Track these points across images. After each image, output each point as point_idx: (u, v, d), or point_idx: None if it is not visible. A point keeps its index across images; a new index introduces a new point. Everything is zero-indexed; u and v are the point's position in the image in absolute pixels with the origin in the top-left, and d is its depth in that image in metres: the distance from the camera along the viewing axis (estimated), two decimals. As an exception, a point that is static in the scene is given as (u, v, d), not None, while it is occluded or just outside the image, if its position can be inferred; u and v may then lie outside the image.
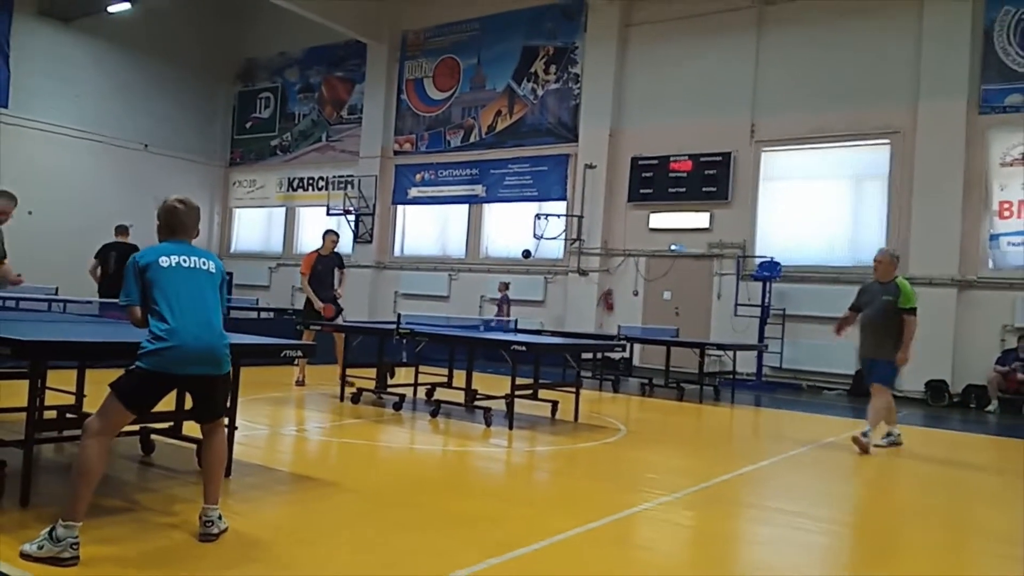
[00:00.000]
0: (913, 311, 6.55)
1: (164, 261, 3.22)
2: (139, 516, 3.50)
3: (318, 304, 8.60)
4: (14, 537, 3.08)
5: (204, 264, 3.33)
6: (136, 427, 4.66)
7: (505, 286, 15.05)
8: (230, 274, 19.79)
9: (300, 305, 17.32)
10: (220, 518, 3.25)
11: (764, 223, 13.36)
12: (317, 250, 8.88)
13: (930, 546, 4.06)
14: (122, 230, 9.95)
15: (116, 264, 9.16)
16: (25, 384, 3.70)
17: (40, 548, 2.81)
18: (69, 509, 2.86)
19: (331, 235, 8.95)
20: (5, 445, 3.94)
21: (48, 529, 2.85)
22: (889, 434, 6.95)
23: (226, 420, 3.45)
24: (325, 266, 8.83)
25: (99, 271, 9.62)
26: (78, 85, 17.64)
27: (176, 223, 3.38)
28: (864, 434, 6.54)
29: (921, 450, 7.62)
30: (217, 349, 3.24)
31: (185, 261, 3.26)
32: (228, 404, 3.48)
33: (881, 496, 5.25)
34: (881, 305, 6.61)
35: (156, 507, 3.64)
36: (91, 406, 5.21)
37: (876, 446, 6.67)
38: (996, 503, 5.26)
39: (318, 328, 8.30)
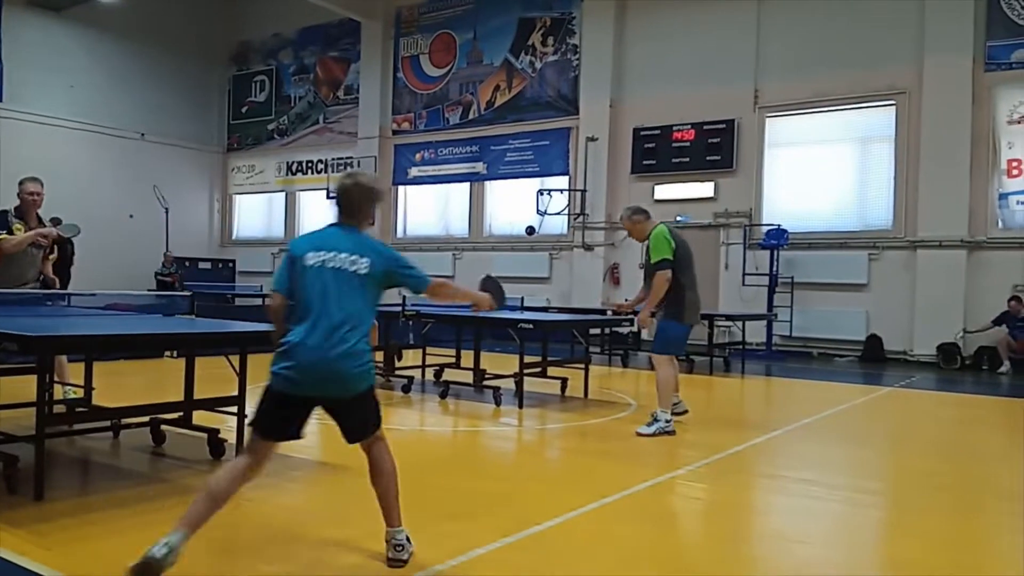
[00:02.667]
0: (662, 264, 5.56)
1: (311, 258, 2.82)
2: (152, 508, 3.49)
3: None
4: (31, 532, 3.08)
5: (353, 264, 2.81)
6: (146, 418, 4.66)
7: None
8: (232, 262, 19.79)
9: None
10: (408, 540, 2.85)
11: (770, 190, 13.21)
12: None
13: (940, 508, 4.04)
14: None
15: None
16: (33, 379, 3.69)
17: None
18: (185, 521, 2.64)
19: None
20: (17, 440, 3.94)
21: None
22: (655, 420, 5.49)
23: (381, 432, 2.91)
24: None
25: None
26: (71, 75, 17.48)
27: (345, 203, 2.93)
28: (655, 419, 5.46)
29: (933, 413, 7.59)
30: (340, 368, 2.73)
31: (331, 260, 2.80)
32: (377, 420, 2.89)
33: (894, 461, 5.23)
34: (646, 265, 5.92)
35: (170, 498, 3.63)
36: (100, 398, 5.24)
37: (639, 433, 5.43)
38: (1007, 463, 5.22)
39: None
